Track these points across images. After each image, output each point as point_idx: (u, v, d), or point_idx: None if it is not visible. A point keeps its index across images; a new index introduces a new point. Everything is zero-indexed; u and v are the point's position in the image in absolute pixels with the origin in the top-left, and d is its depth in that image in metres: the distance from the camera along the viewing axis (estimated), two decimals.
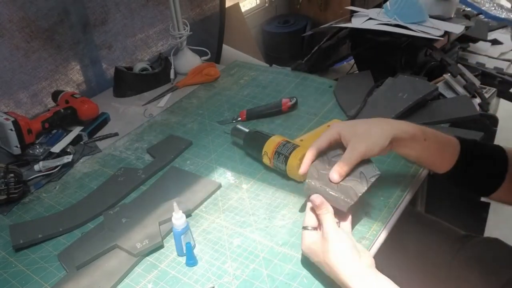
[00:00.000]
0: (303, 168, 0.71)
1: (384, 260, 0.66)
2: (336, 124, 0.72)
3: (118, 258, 0.71)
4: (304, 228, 0.65)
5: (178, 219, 0.69)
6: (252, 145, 0.90)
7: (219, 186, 0.85)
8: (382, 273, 0.58)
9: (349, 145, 0.68)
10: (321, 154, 0.72)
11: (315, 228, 0.65)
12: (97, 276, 0.68)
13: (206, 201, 0.83)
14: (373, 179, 0.68)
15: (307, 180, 0.70)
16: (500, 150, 0.72)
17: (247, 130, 0.93)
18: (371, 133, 0.67)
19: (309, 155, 0.71)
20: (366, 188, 0.67)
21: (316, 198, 0.65)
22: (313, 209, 0.66)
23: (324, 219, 0.63)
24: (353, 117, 0.97)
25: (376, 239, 0.70)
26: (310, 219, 0.66)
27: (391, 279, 0.57)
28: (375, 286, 0.57)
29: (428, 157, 0.71)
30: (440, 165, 0.72)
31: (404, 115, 0.94)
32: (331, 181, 0.68)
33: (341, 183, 0.68)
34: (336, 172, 0.67)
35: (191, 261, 0.69)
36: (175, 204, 0.69)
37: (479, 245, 0.85)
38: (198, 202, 0.81)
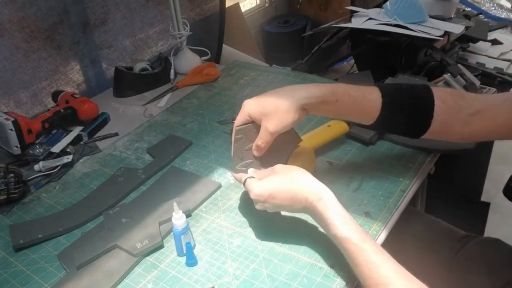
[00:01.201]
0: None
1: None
2: (246, 103, 0.72)
3: (118, 258, 0.71)
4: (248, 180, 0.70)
5: (178, 219, 0.69)
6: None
7: (219, 186, 0.85)
8: None
9: (261, 125, 0.70)
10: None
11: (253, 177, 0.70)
12: (97, 276, 0.68)
13: (206, 201, 0.83)
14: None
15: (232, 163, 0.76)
16: (424, 88, 0.71)
17: None
18: (279, 109, 0.68)
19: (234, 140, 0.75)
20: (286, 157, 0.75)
21: (237, 175, 0.73)
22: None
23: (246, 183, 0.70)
24: None
25: (376, 239, 0.70)
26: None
27: None
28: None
29: (345, 115, 0.73)
30: (363, 118, 0.72)
31: None
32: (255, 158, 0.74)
33: (263, 159, 0.74)
34: (254, 152, 0.73)
35: (191, 261, 0.69)
36: (175, 204, 0.69)
37: (479, 245, 0.85)
38: (198, 202, 0.81)
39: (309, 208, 0.64)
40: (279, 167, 0.70)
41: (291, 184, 0.65)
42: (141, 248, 0.71)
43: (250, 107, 0.71)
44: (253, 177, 0.70)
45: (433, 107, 0.69)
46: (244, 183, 0.71)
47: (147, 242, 0.72)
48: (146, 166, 0.93)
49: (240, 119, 0.73)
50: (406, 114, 0.70)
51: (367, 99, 0.70)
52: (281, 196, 0.65)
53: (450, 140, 0.75)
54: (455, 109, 0.69)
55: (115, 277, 0.68)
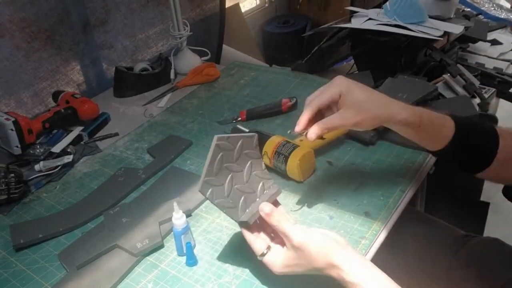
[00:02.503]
0: (299, 127, 0.66)
1: (384, 260, 0.66)
2: (339, 82, 0.66)
3: (119, 257, 0.71)
4: (262, 256, 0.62)
5: (178, 219, 0.69)
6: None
7: None
8: (383, 271, 0.58)
9: (344, 110, 0.65)
10: (235, 168, 0.65)
11: (269, 248, 0.63)
12: (98, 276, 0.68)
13: (206, 200, 0.83)
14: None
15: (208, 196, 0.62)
16: (492, 129, 0.71)
17: (247, 130, 0.93)
18: (371, 112, 0.65)
19: (308, 112, 0.66)
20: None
21: (265, 206, 0.62)
22: (250, 234, 0.64)
23: (281, 227, 0.60)
24: None
25: (376, 239, 0.70)
26: (258, 245, 0.63)
27: (392, 277, 0.57)
28: (364, 261, 0.58)
29: (420, 140, 0.71)
30: (432, 145, 0.71)
31: None
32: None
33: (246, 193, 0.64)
34: (313, 132, 0.64)
35: (191, 260, 0.70)
36: (175, 204, 0.69)
37: (479, 245, 0.85)
38: (198, 202, 0.82)
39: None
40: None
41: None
42: (141, 248, 0.71)
43: (345, 88, 0.65)
44: (269, 248, 0.63)
45: (496, 147, 0.69)
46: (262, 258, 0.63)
47: (147, 242, 0.72)
48: (146, 166, 0.93)
49: (325, 98, 0.65)
50: (471, 153, 0.70)
51: (445, 129, 0.69)
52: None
53: (505, 183, 0.74)
54: None
55: (115, 277, 0.68)
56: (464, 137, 0.69)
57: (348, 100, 0.65)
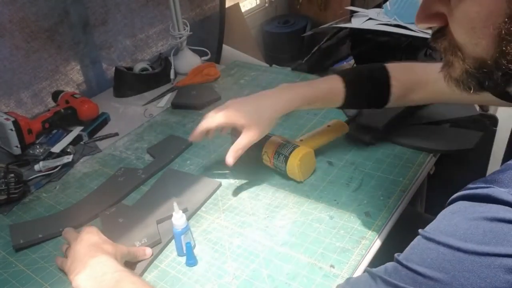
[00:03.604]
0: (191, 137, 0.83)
1: (384, 260, 0.66)
2: (228, 108, 0.78)
3: None
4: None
5: (179, 219, 0.69)
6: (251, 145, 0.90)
7: (220, 185, 0.85)
8: None
9: (243, 133, 0.76)
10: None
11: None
12: None
13: (207, 201, 0.83)
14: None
15: None
16: (382, 75, 0.82)
17: None
18: (261, 120, 0.76)
19: (200, 129, 0.81)
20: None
21: None
22: None
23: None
24: (353, 118, 0.97)
25: (376, 239, 0.70)
26: None
27: None
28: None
29: (316, 108, 0.88)
30: (331, 105, 0.83)
31: (404, 115, 0.94)
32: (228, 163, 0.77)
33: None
34: (230, 157, 0.76)
35: (191, 261, 0.69)
36: (175, 204, 0.69)
37: None
38: (199, 202, 0.81)
39: None
40: None
41: None
42: (140, 246, 0.71)
43: (235, 116, 0.77)
44: None
45: (390, 89, 0.81)
46: None
47: (146, 241, 0.72)
48: (146, 166, 0.93)
49: (218, 122, 0.78)
50: (367, 99, 0.83)
51: (333, 93, 0.80)
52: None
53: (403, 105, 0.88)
54: (407, 85, 0.82)
55: None
56: (355, 94, 0.81)
57: (243, 121, 0.76)
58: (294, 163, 0.81)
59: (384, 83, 0.81)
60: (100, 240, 0.66)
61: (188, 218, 0.78)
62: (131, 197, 0.86)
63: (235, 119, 0.76)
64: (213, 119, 0.79)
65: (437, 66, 0.50)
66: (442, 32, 0.46)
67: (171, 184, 0.87)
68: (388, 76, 0.81)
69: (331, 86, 0.80)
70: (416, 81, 0.82)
